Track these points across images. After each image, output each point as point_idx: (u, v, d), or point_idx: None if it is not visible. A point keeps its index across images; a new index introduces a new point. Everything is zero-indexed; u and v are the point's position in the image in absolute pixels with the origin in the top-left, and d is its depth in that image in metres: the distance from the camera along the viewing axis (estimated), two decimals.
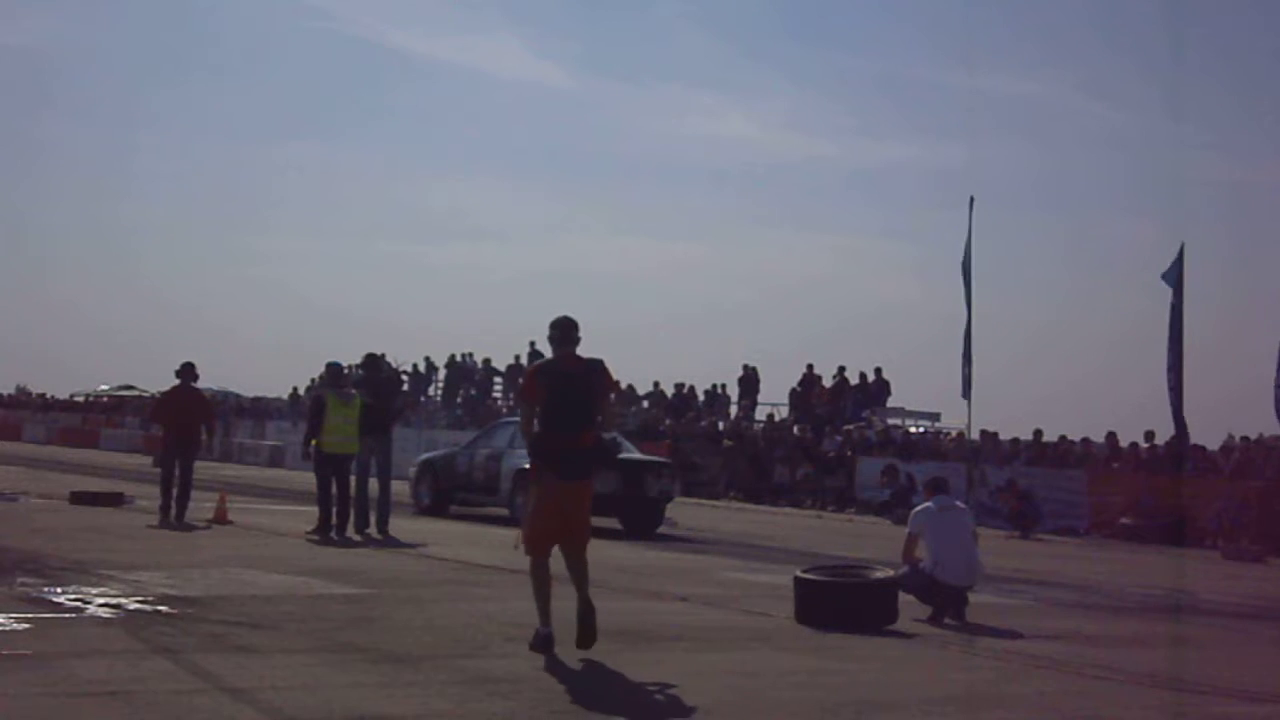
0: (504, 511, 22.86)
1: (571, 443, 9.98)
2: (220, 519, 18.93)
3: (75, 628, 9.82)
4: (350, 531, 17.89)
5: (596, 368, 10.17)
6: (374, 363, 19.97)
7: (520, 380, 12.29)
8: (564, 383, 10.03)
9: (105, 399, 68.14)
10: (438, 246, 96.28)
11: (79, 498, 20.98)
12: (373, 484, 18.41)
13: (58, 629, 9.68)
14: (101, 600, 11.00)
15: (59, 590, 11.45)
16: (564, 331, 10.18)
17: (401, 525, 18.65)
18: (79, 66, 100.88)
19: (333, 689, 8.15)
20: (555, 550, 10.29)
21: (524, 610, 11.88)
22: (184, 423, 19.20)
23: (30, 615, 10.09)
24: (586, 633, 9.85)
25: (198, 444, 19.35)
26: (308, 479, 19.55)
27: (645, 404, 43.18)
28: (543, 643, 9.82)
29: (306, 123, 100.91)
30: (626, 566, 16.21)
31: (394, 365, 44.02)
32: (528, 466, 10.56)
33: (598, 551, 18.17)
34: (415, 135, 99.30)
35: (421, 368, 49.89)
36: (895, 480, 31.21)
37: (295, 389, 53.47)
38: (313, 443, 18.17)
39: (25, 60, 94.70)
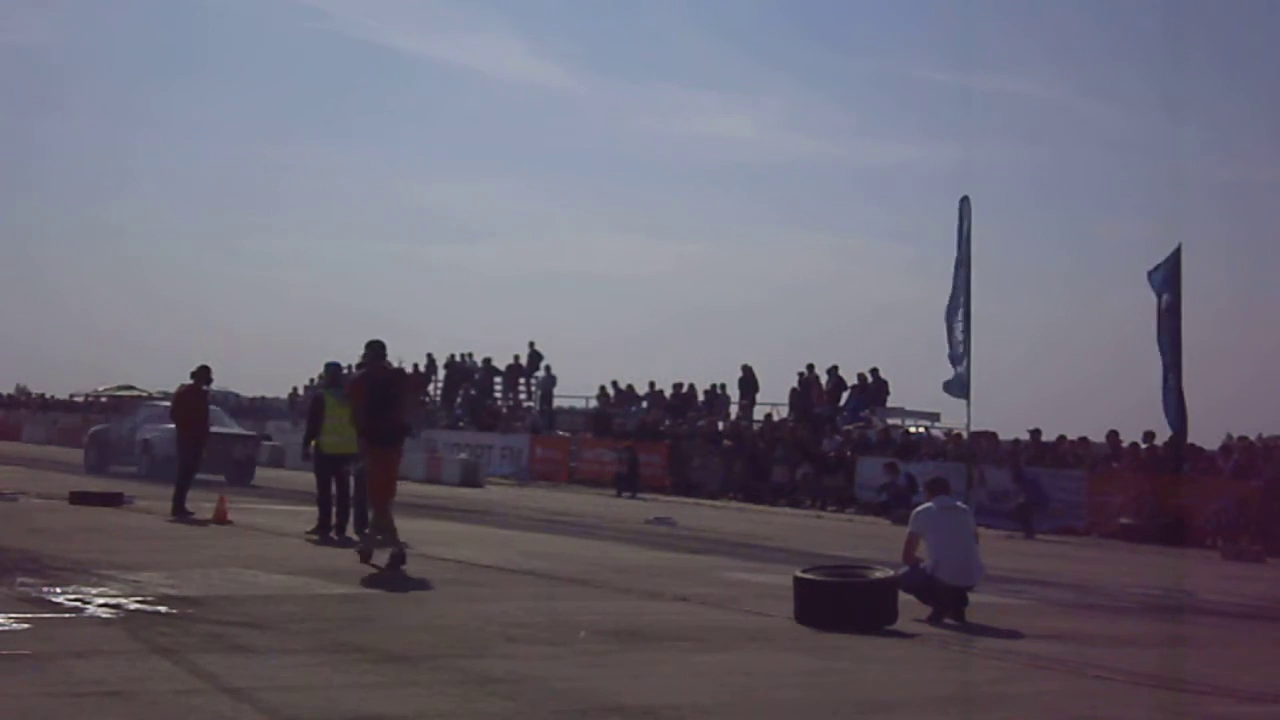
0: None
1: (385, 423, 15.10)
2: (220, 519, 18.92)
3: (75, 628, 9.81)
4: (349, 531, 17.86)
5: (400, 374, 15.75)
6: (377, 351, 19.94)
7: (349, 385, 16.74)
8: (378, 385, 15.28)
9: (104, 399, 68.04)
10: (437, 246, 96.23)
11: (78, 498, 20.95)
12: None
13: (57, 629, 9.67)
14: (101, 600, 10.99)
15: (58, 590, 11.44)
16: (375, 351, 15.56)
17: (400, 525, 18.57)
18: (75, 66, 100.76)
19: (333, 689, 8.15)
20: None
21: (524, 610, 11.93)
22: (196, 421, 19.85)
23: (30, 615, 10.08)
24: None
25: (205, 441, 19.99)
26: (307, 479, 19.53)
27: (645, 404, 43.16)
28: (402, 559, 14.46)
29: (305, 122, 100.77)
30: (626, 566, 16.21)
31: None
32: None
33: (600, 552, 18.31)
34: (414, 135, 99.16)
35: (421, 367, 49.84)
36: (895, 476, 31.20)
37: (295, 389, 53.49)
38: (312, 443, 18.14)
39: (23, 59, 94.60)
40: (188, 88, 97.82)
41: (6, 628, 9.55)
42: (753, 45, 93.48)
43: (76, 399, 69.84)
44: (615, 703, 8.19)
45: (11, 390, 74.60)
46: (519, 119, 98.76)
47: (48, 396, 70.39)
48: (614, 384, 44.61)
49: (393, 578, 13.91)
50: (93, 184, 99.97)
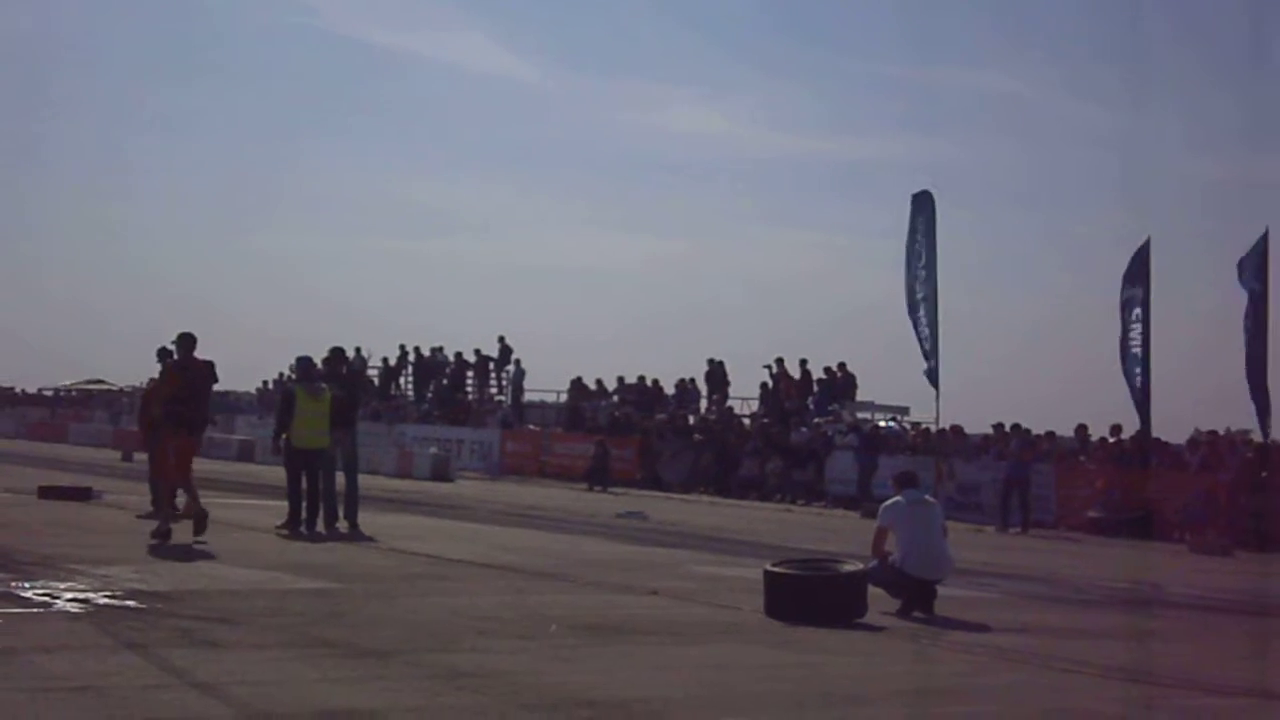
0: None
1: (195, 410, 16.38)
2: (189, 514, 18.82)
3: (43, 623, 9.78)
4: (319, 526, 17.84)
5: (208, 366, 16.38)
6: (338, 357, 19.92)
7: (163, 373, 17.32)
8: (191, 373, 16.27)
9: (74, 393, 67.79)
10: (408, 240, 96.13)
11: (47, 492, 20.86)
12: (340, 478, 18.36)
13: (26, 624, 9.65)
14: (70, 595, 10.95)
15: (27, 585, 11.39)
16: (188, 342, 16.34)
17: (370, 519, 18.61)
18: (71, 60, 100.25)
19: (303, 684, 8.15)
20: None
21: (495, 605, 11.95)
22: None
23: None
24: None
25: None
26: (277, 473, 19.49)
27: (615, 398, 43.17)
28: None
29: (285, 117, 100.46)
30: (597, 560, 16.23)
31: (364, 358, 43.97)
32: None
33: (571, 546, 18.32)
34: (391, 130, 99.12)
35: (392, 360, 49.73)
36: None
37: (264, 382, 53.31)
38: (282, 436, 18.11)
39: (20, 50, 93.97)
40: (172, 83, 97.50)
41: None
42: (724, 40, 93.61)
43: (45, 393, 69.55)
44: (587, 697, 8.20)
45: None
46: (494, 114, 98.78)
47: (17, 390, 70.05)
48: (580, 379, 44.57)
49: (338, 564, 13.91)
50: (80, 179, 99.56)
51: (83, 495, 20.92)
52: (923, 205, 31.59)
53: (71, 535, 15.66)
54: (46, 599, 10.76)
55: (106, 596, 10.99)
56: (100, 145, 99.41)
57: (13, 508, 18.66)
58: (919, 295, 31.07)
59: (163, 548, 15.07)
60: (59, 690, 7.61)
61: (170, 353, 17.22)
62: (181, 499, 19.19)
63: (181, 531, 15.93)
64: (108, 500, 20.79)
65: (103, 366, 67.51)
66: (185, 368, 16.44)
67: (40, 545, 14.42)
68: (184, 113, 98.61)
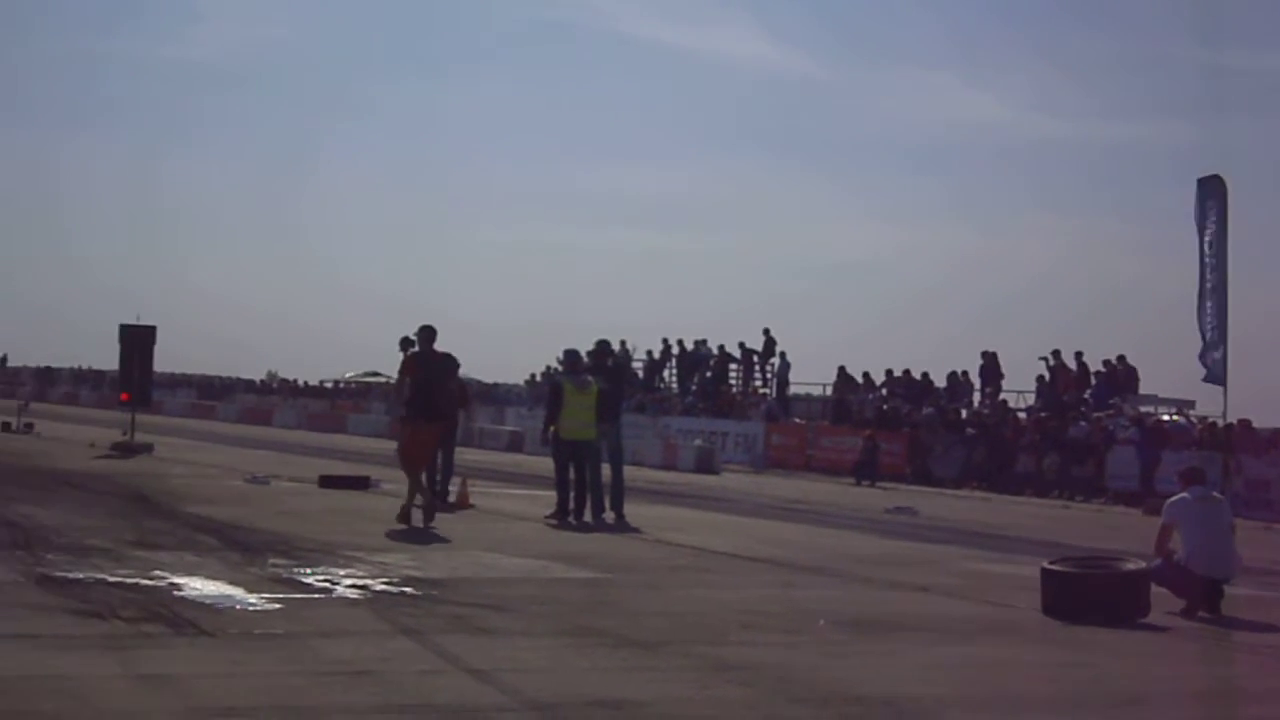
0: None
1: (436, 401, 16.90)
2: (463, 503, 19.26)
3: (324, 608, 10.07)
4: (587, 516, 18.01)
5: (452, 360, 17.62)
6: (603, 350, 20.05)
7: (403, 364, 17.41)
8: (430, 365, 16.93)
9: (352, 385, 70.18)
10: (672, 233, 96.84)
11: (327, 481, 21.53)
12: (606, 469, 18.50)
13: (307, 609, 9.94)
14: (349, 581, 11.26)
15: (308, 571, 11.75)
16: (428, 335, 16.95)
17: (636, 511, 18.70)
18: (347, 61, 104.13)
19: (572, 672, 8.19)
20: None
21: (761, 598, 11.85)
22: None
23: (281, 596, 10.38)
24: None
25: (455, 427, 20.16)
26: (546, 464, 19.76)
27: (883, 391, 42.60)
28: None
29: (545, 111, 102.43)
30: (865, 556, 15.97)
31: (629, 351, 44.38)
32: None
33: (838, 540, 18.11)
34: (652, 122, 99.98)
35: (656, 354, 50.10)
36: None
37: (532, 375, 54.28)
38: (550, 428, 18.33)
39: (282, 58, 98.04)
40: (414, 74, 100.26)
41: (259, 608, 9.85)
42: (990, 23, 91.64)
43: (325, 385, 72.18)
44: (854, 693, 8.05)
45: (263, 377, 77.57)
46: (756, 105, 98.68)
47: (297, 383, 72.90)
48: (846, 371, 44.05)
49: (606, 555, 13.96)
50: (371, 178, 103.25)
51: (361, 484, 21.54)
52: (1212, 190, 30.26)
53: (350, 523, 16.13)
54: (327, 585, 11.08)
55: (383, 583, 11.26)
56: (366, 141, 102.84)
57: (295, 496, 19.34)
58: (1207, 284, 29.77)
59: (437, 536, 15.39)
60: (339, 674, 7.79)
61: (412, 343, 17.64)
62: (456, 486, 19.70)
63: (462, 521, 16.23)
64: (385, 489, 21.35)
65: (380, 359, 69.84)
66: (424, 359, 16.96)
67: (320, 533, 14.88)
68: (437, 106, 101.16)
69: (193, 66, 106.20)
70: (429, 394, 16.86)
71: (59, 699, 6.86)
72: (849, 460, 37.04)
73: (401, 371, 17.42)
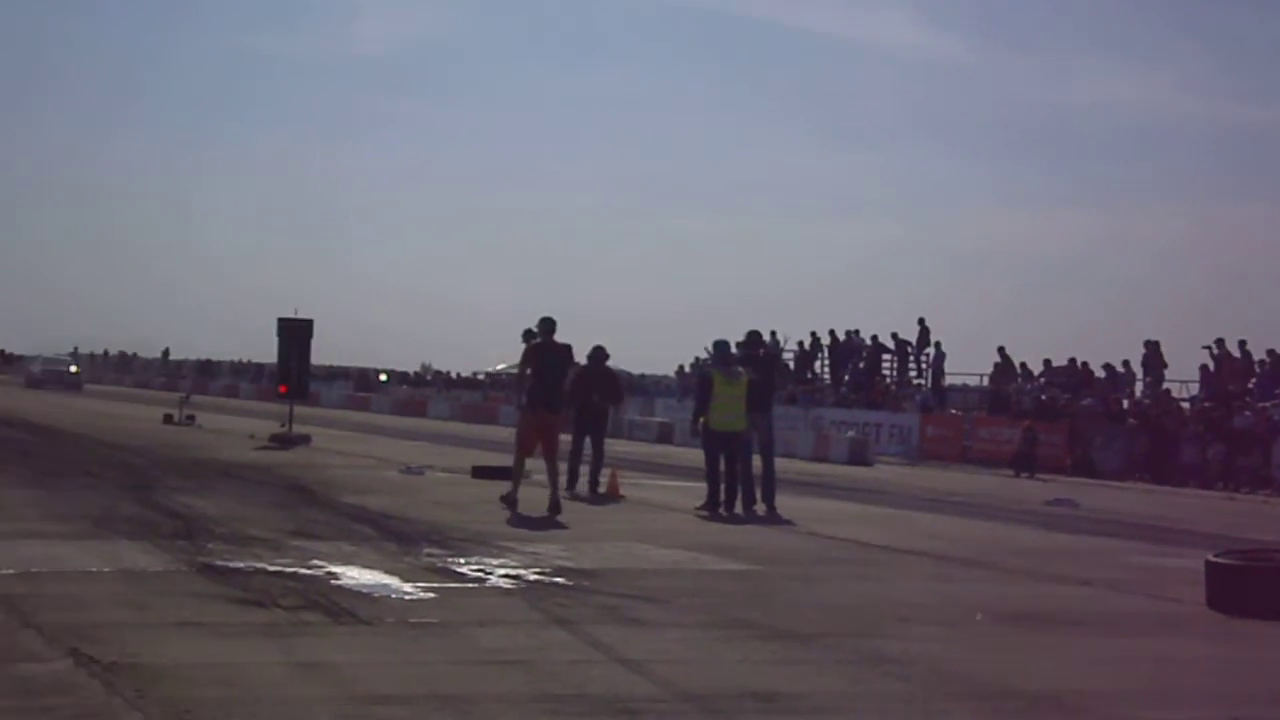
0: None
1: (555, 390, 17.21)
2: (613, 494, 19.31)
3: (478, 597, 10.13)
4: (738, 508, 17.93)
5: (566, 349, 17.49)
6: (754, 341, 19.93)
7: (524, 355, 17.76)
8: (551, 355, 17.15)
9: (504, 376, 70.87)
10: (823, 221, 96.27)
11: (480, 472, 21.70)
12: (756, 460, 18.39)
13: (461, 598, 10.01)
14: (502, 571, 11.33)
15: (462, 561, 11.85)
16: (548, 326, 17.20)
17: (788, 503, 18.57)
18: (482, 53, 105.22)
19: (725, 664, 8.13)
20: None
21: (918, 591, 11.69)
22: (591, 400, 20.06)
23: (436, 585, 10.47)
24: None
25: (605, 419, 20.22)
26: (696, 455, 19.72)
27: (1041, 381, 41.82)
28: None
29: (695, 100, 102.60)
30: (1024, 549, 15.67)
31: (779, 341, 44.17)
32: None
33: (996, 533, 17.81)
34: (807, 108, 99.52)
35: (808, 344, 49.79)
36: None
37: (680, 366, 54.30)
38: (700, 420, 18.27)
39: (420, 53, 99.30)
40: (571, 65, 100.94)
41: (415, 597, 9.94)
42: (1146, 8, 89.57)
43: (478, 376, 72.96)
44: (1015, 687, 7.89)
45: (417, 369, 78.72)
46: (912, 91, 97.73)
47: (451, 374, 73.83)
48: (1003, 361, 43.32)
49: (763, 549, 13.86)
50: (526, 166, 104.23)
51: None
52: None
53: (502, 513, 16.22)
54: (480, 574, 11.15)
55: (536, 573, 11.30)
56: (521, 132, 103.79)
57: (448, 486, 19.53)
58: None
59: (588, 527, 15.43)
60: (493, 663, 7.83)
61: (534, 335, 17.76)
62: (603, 480, 19.74)
63: (612, 512, 16.23)
64: (536, 480, 21.48)
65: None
66: (544, 349, 17.22)
67: (474, 522, 15.00)
68: (593, 96, 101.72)
69: (352, 61, 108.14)
70: (549, 383, 17.18)
71: (222, 686, 6.97)
72: (1006, 452, 36.39)
73: (522, 362, 17.81)
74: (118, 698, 6.64)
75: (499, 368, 71.95)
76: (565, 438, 19.62)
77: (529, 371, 17.47)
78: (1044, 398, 39.75)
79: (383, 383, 77.11)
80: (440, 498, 17.70)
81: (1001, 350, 43.00)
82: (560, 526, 15.48)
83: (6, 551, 11.19)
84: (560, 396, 17.64)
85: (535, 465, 17.39)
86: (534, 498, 16.84)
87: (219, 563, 11.09)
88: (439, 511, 16.06)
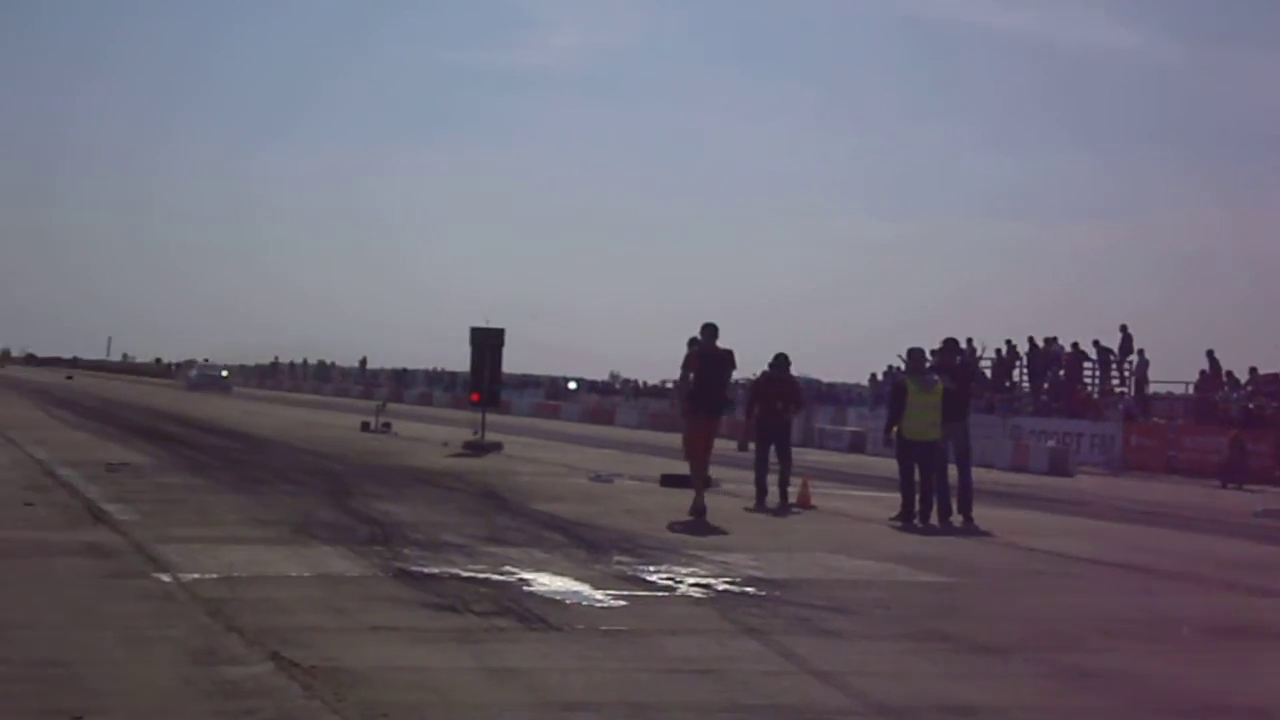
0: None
1: (716, 395, 17.67)
2: (804, 503, 19.15)
3: (667, 606, 10.09)
4: (933, 518, 17.63)
5: (727, 354, 17.56)
6: (950, 348, 19.60)
7: (685, 360, 17.83)
8: (712, 361, 17.41)
9: (692, 385, 70.96)
10: (1011, 224, 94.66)
11: (669, 480, 21.69)
12: (952, 471, 18.07)
13: (651, 607, 9.98)
14: (692, 580, 11.27)
15: (652, 569, 11.83)
16: (711, 330, 17.42)
17: (985, 513, 18.21)
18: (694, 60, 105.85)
19: (920, 677, 7.98)
20: None
21: (1120, 604, 11.39)
22: (774, 408, 19.78)
23: (626, 593, 10.47)
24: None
25: (788, 428, 20.03)
26: (889, 465, 19.46)
27: (1248, 389, 40.46)
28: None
29: (889, 106, 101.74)
30: (1231, 561, 15.15)
31: (975, 349, 43.42)
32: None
33: (1202, 545, 17.22)
34: (985, 110, 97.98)
35: (1003, 352, 48.89)
36: None
37: (873, 374, 53.77)
38: (894, 429, 18.02)
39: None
40: (758, 71, 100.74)
41: (605, 604, 9.94)
42: None
43: (666, 385, 73.26)
44: (1223, 703, 7.64)
45: (605, 377, 79.33)
46: (1098, 91, 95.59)
47: (639, 383, 74.20)
48: (1209, 369, 41.99)
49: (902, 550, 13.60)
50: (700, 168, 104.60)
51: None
52: None
53: (692, 522, 16.19)
54: (670, 583, 11.12)
55: (726, 582, 11.23)
56: (703, 137, 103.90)
57: (637, 494, 19.56)
58: None
59: (779, 536, 15.33)
60: (684, 672, 7.78)
61: (699, 342, 17.83)
62: (793, 490, 19.58)
63: (804, 521, 16.09)
64: (725, 489, 21.43)
65: None
66: (706, 355, 17.47)
67: (663, 531, 15.01)
68: (784, 101, 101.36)
69: (530, 72, 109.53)
70: (710, 389, 17.54)
71: (417, 691, 7.04)
72: (1213, 462, 35.32)
73: (684, 367, 17.91)
74: (317, 700, 6.74)
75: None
76: (728, 445, 19.56)
77: (690, 377, 17.69)
78: (1252, 406, 38.45)
79: (572, 391, 77.88)
80: (629, 505, 17.74)
81: (1211, 355, 41.73)
82: (720, 532, 15.46)
83: (211, 556, 11.49)
84: (722, 402, 18.07)
85: (722, 474, 17.33)
86: (718, 506, 16.78)
87: (414, 568, 11.24)
88: (628, 519, 16.10)
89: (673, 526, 15.55)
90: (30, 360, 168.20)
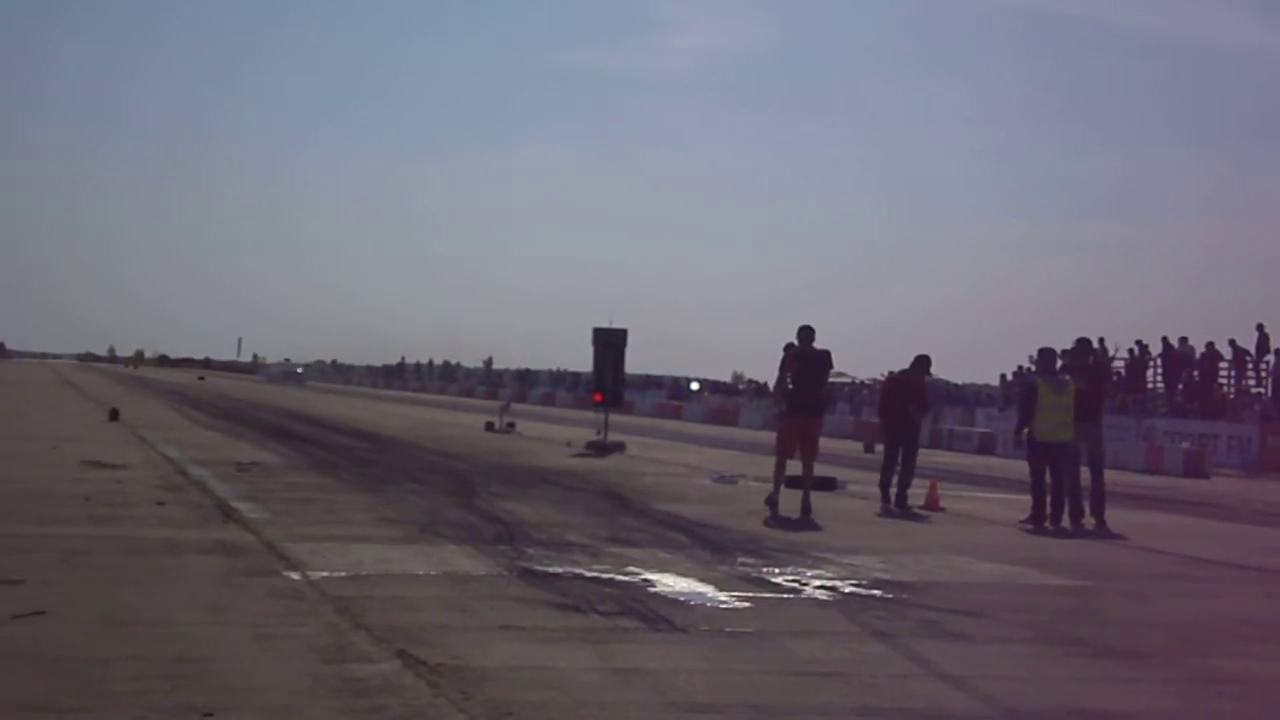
0: None
1: (813, 395, 17.85)
2: (931, 505, 18.94)
3: (793, 608, 10.01)
4: (1064, 521, 17.34)
5: (824, 355, 17.87)
6: (1082, 349, 19.25)
7: (783, 361, 18.09)
8: (809, 362, 17.70)
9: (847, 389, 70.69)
10: (1149, 225, 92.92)
11: (793, 482, 21.56)
12: (1084, 473, 17.75)
13: (777, 609, 9.91)
14: (818, 582, 11.19)
15: (777, 571, 11.75)
16: (807, 332, 17.67)
17: (1118, 516, 17.87)
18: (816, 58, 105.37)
19: (1051, 681, 7.85)
20: None
21: (1258, 609, 11.12)
22: (902, 410, 19.61)
23: (751, 594, 10.41)
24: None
25: (916, 431, 19.81)
26: (1019, 467, 19.17)
27: None
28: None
29: (1003, 103, 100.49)
30: None
31: (1110, 350, 42.73)
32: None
33: None
34: (1116, 108, 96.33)
35: (1137, 352, 48.01)
36: None
37: (1003, 375, 53.10)
38: (1024, 430, 17.76)
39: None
40: (891, 70, 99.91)
41: (730, 606, 9.89)
42: None
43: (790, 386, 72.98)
44: None
45: (728, 378, 79.19)
46: (1233, 88, 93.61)
47: (762, 383, 74.02)
48: None
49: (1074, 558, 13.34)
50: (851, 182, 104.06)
51: (828, 485, 21.46)
52: None
53: (818, 523, 16.08)
54: (795, 585, 11.03)
55: (852, 585, 11.12)
56: (838, 141, 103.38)
57: (761, 496, 19.40)
58: None
59: (906, 538, 15.17)
60: (810, 674, 7.71)
61: (794, 345, 17.96)
62: (921, 492, 19.37)
63: (932, 523, 15.85)
64: (851, 490, 21.27)
65: (849, 361, 70.17)
66: (803, 356, 17.76)
67: (788, 533, 14.92)
68: (913, 103, 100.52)
69: (654, 75, 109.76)
70: (807, 389, 17.83)
71: (542, 690, 7.04)
72: None
73: (781, 368, 18.10)
74: (443, 699, 6.77)
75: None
76: (854, 446, 19.37)
77: (788, 378, 17.91)
78: None
79: (694, 391, 77.88)
80: (753, 507, 17.65)
81: None
82: (814, 528, 15.63)
83: (339, 554, 11.62)
84: (820, 401, 18.34)
85: (849, 475, 17.17)
86: (843, 508, 16.61)
87: (538, 568, 11.27)
88: (752, 521, 16.04)
89: (797, 528, 15.44)
90: (163, 361, 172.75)
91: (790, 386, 17.98)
